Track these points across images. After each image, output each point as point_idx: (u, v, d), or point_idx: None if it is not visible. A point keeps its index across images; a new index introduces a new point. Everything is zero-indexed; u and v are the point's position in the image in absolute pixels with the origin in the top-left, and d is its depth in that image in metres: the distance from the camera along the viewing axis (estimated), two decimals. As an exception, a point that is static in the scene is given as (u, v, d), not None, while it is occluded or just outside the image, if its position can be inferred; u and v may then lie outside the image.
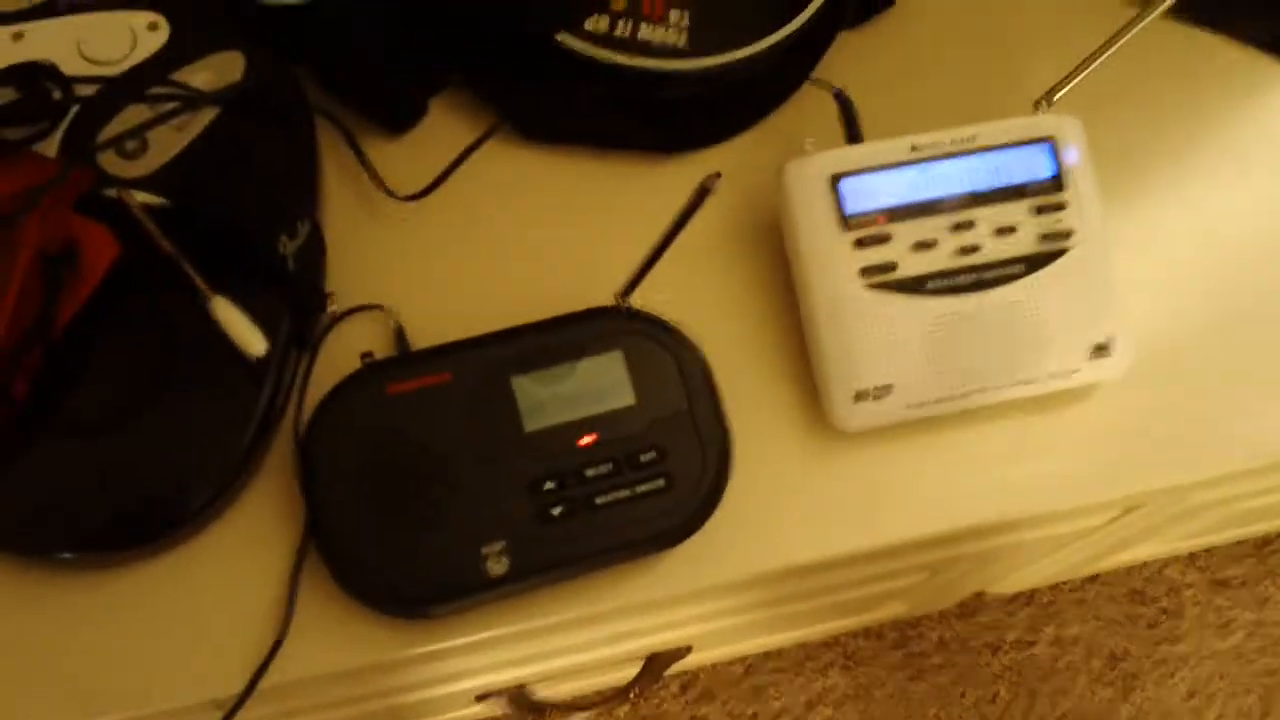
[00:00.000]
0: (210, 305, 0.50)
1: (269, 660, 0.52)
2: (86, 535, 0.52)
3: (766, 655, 1.16)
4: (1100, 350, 0.58)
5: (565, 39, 0.59)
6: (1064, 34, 0.66)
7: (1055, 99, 0.61)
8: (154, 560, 0.54)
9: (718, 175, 0.46)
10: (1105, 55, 0.61)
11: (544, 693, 0.77)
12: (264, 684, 0.52)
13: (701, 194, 0.47)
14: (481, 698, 0.77)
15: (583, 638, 0.66)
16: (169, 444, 0.53)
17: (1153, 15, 0.60)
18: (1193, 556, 1.23)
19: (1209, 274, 0.63)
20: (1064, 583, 1.20)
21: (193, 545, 0.54)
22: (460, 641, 0.53)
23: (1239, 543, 1.23)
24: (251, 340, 0.49)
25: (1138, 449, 0.59)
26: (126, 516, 0.53)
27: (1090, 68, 0.61)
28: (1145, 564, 1.21)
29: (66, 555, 0.52)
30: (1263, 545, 1.23)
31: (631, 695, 0.76)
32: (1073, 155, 0.59)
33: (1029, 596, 1.20)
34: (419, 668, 0.61)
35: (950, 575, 0.80)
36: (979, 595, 1.16)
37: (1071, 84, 0.61)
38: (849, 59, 0.65)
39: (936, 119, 0.63)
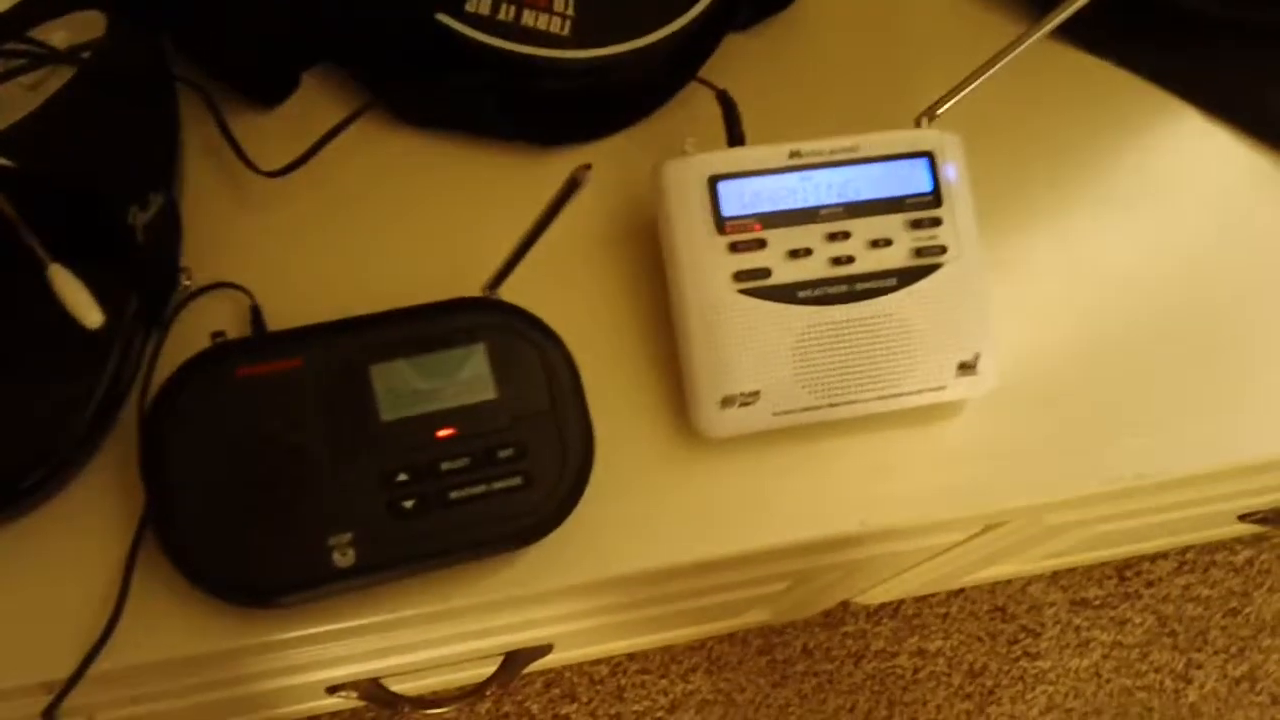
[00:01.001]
0: (47, 272, 0.47)
1: (100, 644, 0.50)
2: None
3: (631, 657, 1.15)
4: (967, 368, 0.58)
5: (445, 19, 0.57)
6: (955, 51, 0.66)
7: (938, 114, 0.61)
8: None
9: (587, 167, 0.45)
10: (988, 74, 0.61)
11: (399, 687, 0.76)
12: (97, 669, 0.50)
13: (571, 186, 0.46)
14: (333, 689, 0.74)
15: (439, 633, 0.64)
16: (5, 418, 0.50)
17: (1035, 35, 0.60)
18: (1055, 575, 1.25)
19: (1080, 301, 0.64)
20: (929, 596, 1.22)
21: (27, 523, 0.52)
22: (303, 633, 0.51)
23: (1101, 564, 1.26)
24: (88, 310, 0.46)
25: (999, 468, 0.60)
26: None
27: (972, 85, 0.61)
28: (1009, 581, 1.24)
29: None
30: (1124, 568, 1.26)
31: (488, 693, 0.74)
32: (951, 172, 0.59)
33: (894, 608, 1.21)
34: (263, 657, 0.58)
35: (815, 585, 0.80)
36: (844, 605, 1.17)
37: (954, 100, 0.61)
38: (737, 61, 0.64)
39: (821, 128, 0.63)
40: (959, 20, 0.69)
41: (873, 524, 0.58)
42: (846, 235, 0.57)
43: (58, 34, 0.54)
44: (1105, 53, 0.70)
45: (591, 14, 0.59)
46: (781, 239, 0.56)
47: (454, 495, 0.51)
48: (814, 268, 0.56)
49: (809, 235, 0.57)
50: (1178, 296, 0.65)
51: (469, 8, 0.58)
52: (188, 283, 0.55)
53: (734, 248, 0.56)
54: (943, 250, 0.58)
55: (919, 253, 0.58)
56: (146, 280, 0.52)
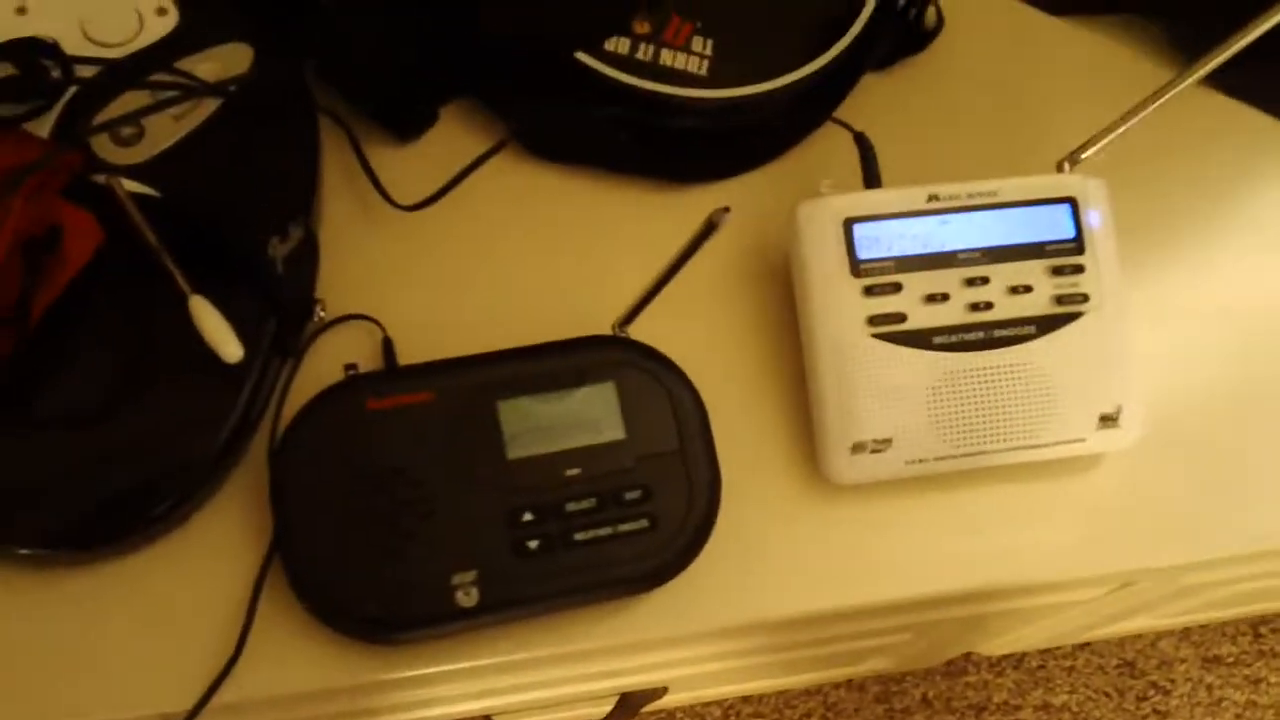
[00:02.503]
0: (188, 304, 0.48)
1: (221, 678, 0.50)
2: (48, 532, 0.50)
3: (745, 699, 1.13)
4: (1108, 420, 0.56)
5: (583, 58, 0.57)
6: (1094, 94, 0.64)
7: (1081, 159, 0.59)
8: (114, 563, 0.52)
9: (726, 210, 0.44)
10: (1136, 119, 0.59)
11: (512, 725, 0.75)
12: (217, 701, 0.50)
13: (709, 228, 0.45)
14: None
15: (555, 674, 0.64)
16: (138, 444, 0.51)
17: (1186, 82, 0.58)
18: (1187, 631, 1.20)
19: (1226, 351, 0.61)
20: (1055, 649, 1.18)
21: (156, 550, 0.52)
22: (423, 672, 0.51)
23: (1234, 621, 1.20)
24: (227, 344, 0.47)
25: (1138, 525, 0.57)
26: (89, 516, 0.50)
27: (1119, 130, 0.59)
28: (1138, 636, 1.19)
29: (24, 551, 0.50)
30: (1258, 624, 1.21)
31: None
32: (1095, 218, 0.57)
33: (1018, 660, 1.17)
34: (382, 694, 0.58)
35: (938, 636, 0.78)
36: (966, 655, 1.14)
37: (1099, 145, 0.59)
38: (873, 102, 0.63)
39: (958, 170, 0.62)
40: (1101, 65, 0.67)
41: (1003, 580, 0.56)
42: (985, 281, 0.55)
43: (205, 65, 0.55)
44: (1250, 97, 0.68)
45: (729, 55, 0.59)
46: (918, 283, 0.55)
47: (579, 536, 0.51)
48: (951, 313, 0.55)
49: (946, 280, 0.55)
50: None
51: (609, 46, 0.58)
52: (322, 314, 0.55)
53: (869, 291, 0.54)
54: (1085, 299, 0.56)
55: (1060, 300, 0.56)
56: (283, 311, 0.53)
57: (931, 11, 0.64)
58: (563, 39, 0.57)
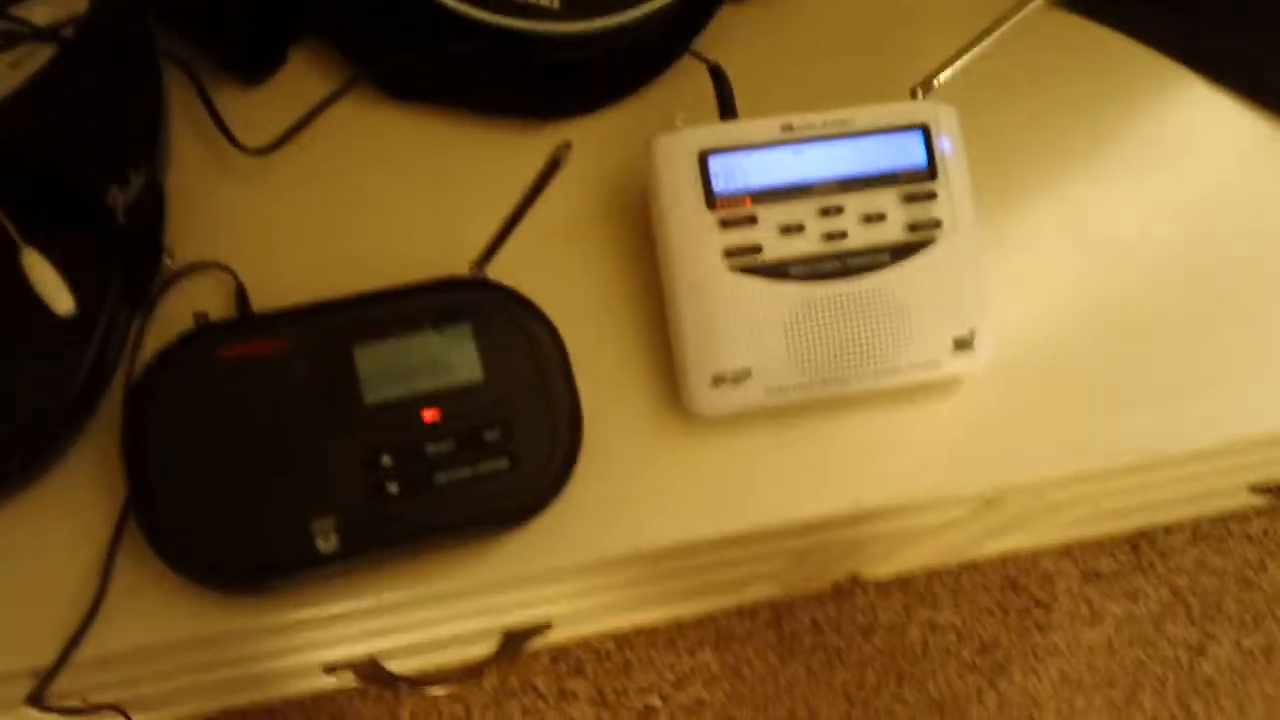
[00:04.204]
0: (20, 256, 0.46)
1: (82, 631, 0.50)
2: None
3: (639, 632, 1.15)
4: (962, 344, 0.57)
5: (431, -7, 0.56)
6: (956, 22, 0.65)
7: (934, 86, 0.60)
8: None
9: (567, 146, 0.44)
10: (986, 42, 0.60)
11: (397, 666, 0.75)
12: (82, 655, 0.50)
13: (552, 166, 0.45)
14: (330, 669, 0.74)
15: (434, 614, 0.64)
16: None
17: (1032, 5, 0.59)
18: (1067, 548, 1.24)
19: (1081, 274, 0.63)
20: (940, 570, 1.21)
21: (10, 507, 0.51)
22: (286, 618, 0.51)
23: (1113, 536, 1.25)
24: (57, 296, 0.46)
25: (996, 444, 0.59)
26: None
27: (968, 56, 0.60)
28: (1019, 554, 1.23)
29: None
30: (1137, 539, 1.25)
31: (485, 671, 0.74)
32: (946, 144, 0.57)
33: (904, 582, 1.20)
34: (252, 641, 0.58)
35: (819, 560, 0.79)
36: (854, 579, 1.16)
37: (949, 71, 0.60)
38: (731, 33, 0.63)
39: (816, 101, 0.62)
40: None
41: (867, 503, 0.57)
42: (839, 210, 0.56)
43: (40, 10, 0.53)
44: (1106, 19, 0.69)
45: (581, -12, 0.58)
46: (773, 215, 0.55)
47: (439, 478, 0.51)
48: (806, 244, 0.55)
49: (801, 211, 0.55)
50: (1182, 268, 0.63)
51: (456, -17, 0.57)
52: (170, 262, 0.54)
53: (725, 224, 0.55)
54: (937, 224, 0.57)
55: (913, 227, 0.56)
56: (128, 260, 0.51)
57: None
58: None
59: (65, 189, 0.50)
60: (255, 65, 0.59)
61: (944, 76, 0.60)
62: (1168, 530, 1.25)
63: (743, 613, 1.16)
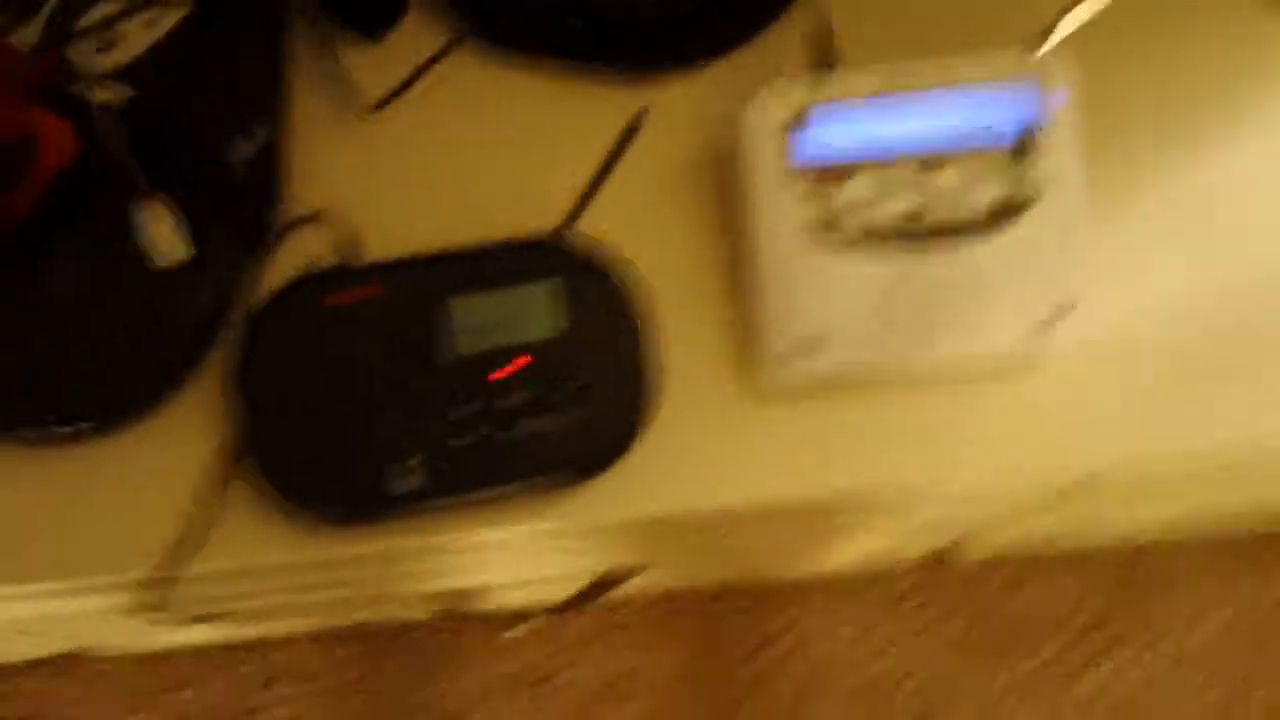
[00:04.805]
0: (142, 204, 0.51)
1: (194, 548, 0.54)
2: (31, 412, 0.54)
3: (737, 587, 1.20)
4: (1051, 320, 0.56)
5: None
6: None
7: (1052, 36, 0.58)
8: (98, 444, 0.56)
9: (645, 111, 0.46)
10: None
11: (489, 603, 0.79)
12: (197, 571, 0.55)
13: (630, 131, 0.47)
14: (431, 598, 0.79)
15: (519, 555, 0.67)
16: (116, 335, 0.55)
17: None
18: (1192, 541, 1.22)
19: (1186, 259, 0.61)
20: (1056, 539, 1.20)
21: (130, 434, 0.56)
22: (374, 548, 0.55)
23: (1242, 535, 1.21)
24: (173, 246, 0.50)
25: (1083, 421, 0.58)
26: (71, 398, 0.55)
27: (1090, 7, 0.57)
28: (1140, 537, 1.20)
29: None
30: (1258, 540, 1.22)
31: (566, 611, 0.77)
32: (1057, 104, 0.56)
33: (1010, 555, 1.20)
34: (348, 568, 0.62)
35: (901, 527, 0.80)
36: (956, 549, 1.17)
37: (1070, 19, 0.57)
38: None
39: (923, 49, 0.60)
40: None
41: (934, 477, 0.58)
42: (934, 171, 0.55)
43: (175, -27, 0.58)
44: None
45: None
46: (862, 181, 0.55)
47: (518, 426, 0.54)
48: (895, 210, 0.55)
49: (889, 179, 0.55)
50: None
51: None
52: (288, 213, 0.58)
53: (810, 190, 0.55)
54: (1038, 193, 0.56)
55: (1011, 195, 0.55)
56: (246, 210, 0.55)
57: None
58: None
59: (189, 143, 0.54)
60: (375, 21, 0.61)
61: (1064, 26, 0.58)
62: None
63: (834, 576, 1.18)
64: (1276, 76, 0.63)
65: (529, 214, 0.59)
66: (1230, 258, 0.61)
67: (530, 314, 0.55)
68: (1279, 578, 1.20)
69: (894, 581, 1.19)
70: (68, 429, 0.55)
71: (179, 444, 0.56)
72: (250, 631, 1.08)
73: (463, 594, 0.78)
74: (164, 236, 0.50)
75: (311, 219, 0.58)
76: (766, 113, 0.56)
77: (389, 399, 0.53)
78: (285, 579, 0.60)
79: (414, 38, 0.61)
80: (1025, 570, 1.20)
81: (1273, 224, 0.61)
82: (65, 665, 1.16)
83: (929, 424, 0.58)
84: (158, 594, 0.55)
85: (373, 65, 0.61)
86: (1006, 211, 0.55)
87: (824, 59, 0.58)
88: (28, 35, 0.55)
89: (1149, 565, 1.21)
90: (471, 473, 0.53)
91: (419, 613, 0.88)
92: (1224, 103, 0.63)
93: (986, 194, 0.55)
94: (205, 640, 1.12)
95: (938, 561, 1.17)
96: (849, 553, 0.97)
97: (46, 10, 0.56)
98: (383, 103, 0.59)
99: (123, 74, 0.55)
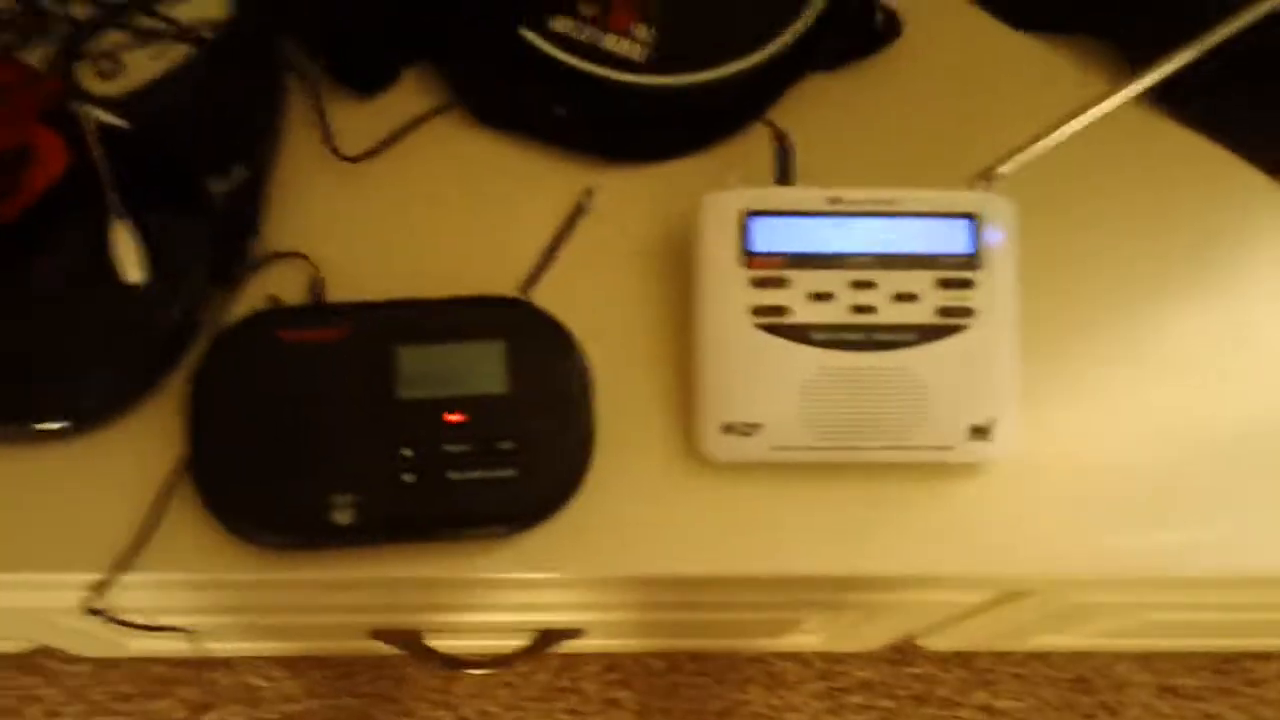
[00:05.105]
0: (110, 227, 0.54)
1: (129, 556, 0.56)
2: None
3: (693, 657, 1.19)
4: (979, 432, 0.58)
5: (528, 35, 0.61)
6: (1039, 109, 0.65)
7: (996, 176, 0.61)
8: (62, 446, 0.58)
9: (590, 193, 0.48)
10: (1057, 135, 0.60)
11: (438, 643, 0.81)
12: (130, 578, 0.57)
13: (577, 210, 0.49)
14: (377, 634, 0.81)
15: (467, 600, 0.69)
16: (86, 341, 0.57)
17: (1109, 103, 0.59)
18: (1148, 657, 1.19)
19: (1127, 385, 0.63)
20: (1007, 654, 1.19)
21: (89, 440, 0.58)
22: (302, 576, 0.57)
23: (1199, 654, 1.20)
24: (131, 268, 0.53)
25: (1010, 535, 0.60)
26: (39, 396, 0.57)
27: (1033, 150, 0.60)
28: (1095, 654, 1.19)
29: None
30: (1224, 661, 1.20)
31: (514, 662, 0.79)
32: (994, 236, 0.59)
33: (967, 659, 1.19)
34: (284, 593, 0.64)
35: (859, 619, 0.81)
36: (915, 646, 1.16)
37: (1012, 162, 0.61)
38: (814, 100, 0.66)
39: (881, 176, 0.64)
40: (1054, 84, 0.68)
41: (858, 569, 0.59)
42: (872, 285, 0.58)
43: (184, 9, 0.61)
44: (1199, 121, 0.68)
45: (670, 44, 0.62)
46: (805, 280, 0.58)
47: (452, 475, 0.56)
48: (834, 312, 0.58)
49: (834, 280, 0.58)
50: (1241, 391, 0.63)
51: (553, 26, 0.62)
52: (264, 247, 0.61)
53: (756, 282, 0.58)
54: (970, 313, 0.58)
55: (945, 312, 0.58)
56: (220, 241, 0.58)
57: (880, 17, 0.66)
58: (509, 14, 0.61)
59: (175, 172, 0.57)
60: (369, 83, 0.65)
61: (1006, 167, 0.61)
62: (1261, 657, 1.19)
63: (799, 658, 1.17)
64: (1203, 226, 0.66)
65: (490, 275, 0.61)
66: (1161, 390, 0.63)
67: (478, 369, 0.57)
68: (1241, 697, 1.20)
69: (845, 671, 1.19)
70: (34, 426, 0.57)
71: (138, 453, 0.58)
72: (207, 650, 1.09)
73: (409, 633, 0.80)
74: (127, 258, 0.53)
75: (285, 255, 0.61)
76: (726, 206, 0.58)
77: (329, 435, 0.56)
78: (227, 597, 0.62)
79: (402, 97, 0.64)
80: (986, 668, 1.20)
81: (1200, 359, 0.64)
82: (26, 662, 1.17)
83: (854, 514, 0.60)
84: (95, 596, 0.57)
85: (360, 117, 0.64)
86: (938, 329, 0.58)
87: (783, 169, 0.61)
88: (39, 53, 0.58)
89: (1108, 674, 1.20)
90: (399, 515, 0.55)
91: (367, 648, 0.89)
92: (1154, 244, 0.66)
93: (921, 310, 0.58)
94: (152, 652, 1.13)
95: (894, 652, 1.17)
96: (797, 632, 0.98)
97: (60, 31, 0.60)
98: (365, 155, 0.62)
99: (122, 100, 0.58)
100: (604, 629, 0.85)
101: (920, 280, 0.58)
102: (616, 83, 0.62)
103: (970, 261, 0.59)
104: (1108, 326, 0.64)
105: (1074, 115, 0.61)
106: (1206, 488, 0.61)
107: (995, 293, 0.59)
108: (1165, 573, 0.60)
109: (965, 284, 0.58)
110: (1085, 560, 0.60)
